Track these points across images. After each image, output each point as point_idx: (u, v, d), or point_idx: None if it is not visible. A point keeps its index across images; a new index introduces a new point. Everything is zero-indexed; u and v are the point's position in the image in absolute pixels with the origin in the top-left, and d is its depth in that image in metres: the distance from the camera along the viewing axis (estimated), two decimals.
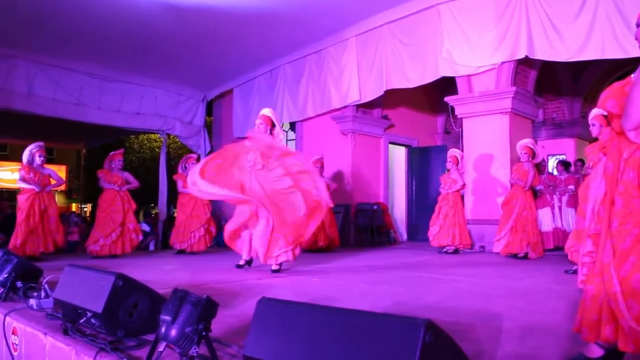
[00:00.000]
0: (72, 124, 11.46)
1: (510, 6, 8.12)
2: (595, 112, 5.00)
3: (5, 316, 3.33)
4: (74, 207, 26.93)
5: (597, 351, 2.18)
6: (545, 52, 7.83)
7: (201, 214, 8.90)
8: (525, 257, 7.45)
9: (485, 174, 8.95)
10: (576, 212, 5.68)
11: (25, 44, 9.59)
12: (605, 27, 7.03)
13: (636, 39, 2.32)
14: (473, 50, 8.55)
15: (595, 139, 5.15)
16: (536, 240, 7.52)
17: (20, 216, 7.46)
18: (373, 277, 5.33)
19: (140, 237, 8.74)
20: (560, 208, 9.13)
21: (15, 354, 3.18)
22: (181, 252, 8.85)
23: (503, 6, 8.21)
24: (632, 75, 2.10)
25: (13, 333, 3.23)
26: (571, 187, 9.02)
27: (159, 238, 12.20)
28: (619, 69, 11.00)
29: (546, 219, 8.82)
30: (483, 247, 8.69)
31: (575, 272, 5.18)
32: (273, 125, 6.05)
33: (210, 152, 13.61)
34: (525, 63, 8.87)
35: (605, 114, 4.53)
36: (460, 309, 3.60)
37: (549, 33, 7.66)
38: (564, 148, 12.39)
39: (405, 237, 12.42)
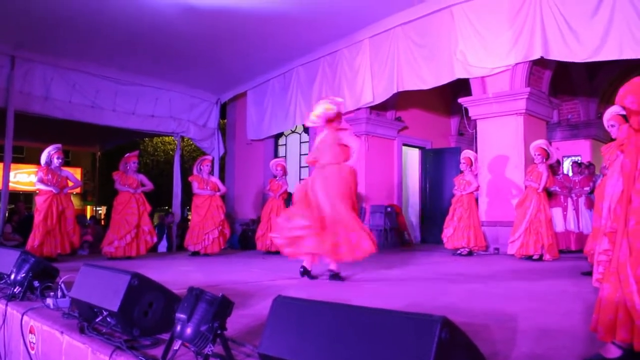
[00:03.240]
0: (87, 127, 11.53)
1: (525, 7, 8.04)
2: (610, 112, 4.94)
3: (22, 315, 3.37)
4: (88, 209, 27.17)
5: (614, 351, 2.15)
6: (560, 53, 7.71)
7: (215, 215, 8.93)
8: (540, 259, 7.38)
9: (500, 175, 8.89)
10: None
11: (42, 48, 9.70)
12: (623, 27, 6.90)
13: None
14: (487, 52, 8.48)
15: (614, 140, 5.10)
16: (551, 242, 7.41)
17: (38, 217, 7.53)
18: (386, 278, 5.31)
19: (155, 239, 8.77)
20: (576, 210, 9.03)
21: (32, 352, 3.22)
22: (195, 253, 8.87)
23: (517, 7, 8.14)
24: None
25: (30, 332, 3.26)
26: (587, 188, 8.95)
27: (173, 240, 12.25)
28: (637, 67, 10.83)
29: (557, 220, 8.74)
30: (497, 249, 8.64)
31: (591, 273, 5.13)
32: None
33: (225, 155, 13.67)
34: (540, 63, 8.79)
35: (623, 113, 4.51)
36: (474, 310, 3.58)
37: (565, 33, 7.54)
38: (580, 149, 12.28)
39: (418, 238, 12.38)
